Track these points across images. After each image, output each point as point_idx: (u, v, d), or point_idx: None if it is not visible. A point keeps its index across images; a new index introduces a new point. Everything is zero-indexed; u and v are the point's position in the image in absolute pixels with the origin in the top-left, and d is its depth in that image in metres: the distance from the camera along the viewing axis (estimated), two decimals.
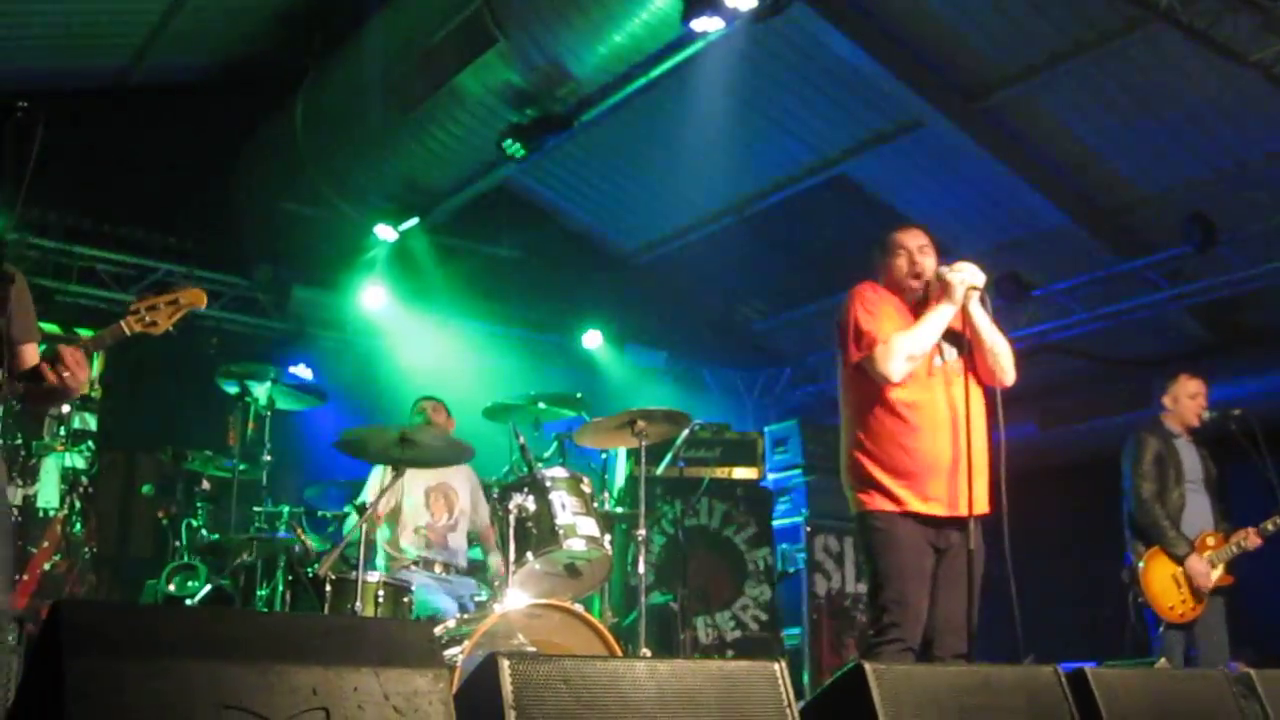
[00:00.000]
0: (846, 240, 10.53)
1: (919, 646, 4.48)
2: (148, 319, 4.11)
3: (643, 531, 6.19)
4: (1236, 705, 4.44)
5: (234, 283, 9.98)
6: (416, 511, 6.73)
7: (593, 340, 11.24)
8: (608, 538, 6.03)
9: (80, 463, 8.34)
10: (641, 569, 6.10)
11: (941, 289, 4.72)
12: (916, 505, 4.56)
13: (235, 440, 7.96)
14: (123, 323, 4.05)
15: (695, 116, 9.10)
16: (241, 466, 7.94)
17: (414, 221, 9.28)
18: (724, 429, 10.80)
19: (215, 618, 3.30)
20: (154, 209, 9.13)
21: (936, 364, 4.72)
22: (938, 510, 4.56)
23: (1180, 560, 6.43)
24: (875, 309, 4.73)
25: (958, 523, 4.58)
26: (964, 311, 4.70)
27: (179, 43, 8.91)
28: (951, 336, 4.73)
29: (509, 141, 7.92)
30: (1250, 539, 6.46)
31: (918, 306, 4.79)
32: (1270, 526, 6.39)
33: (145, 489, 9.27)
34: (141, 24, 8.55)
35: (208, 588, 7.36)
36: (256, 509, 7.56)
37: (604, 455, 7.64)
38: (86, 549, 8.31)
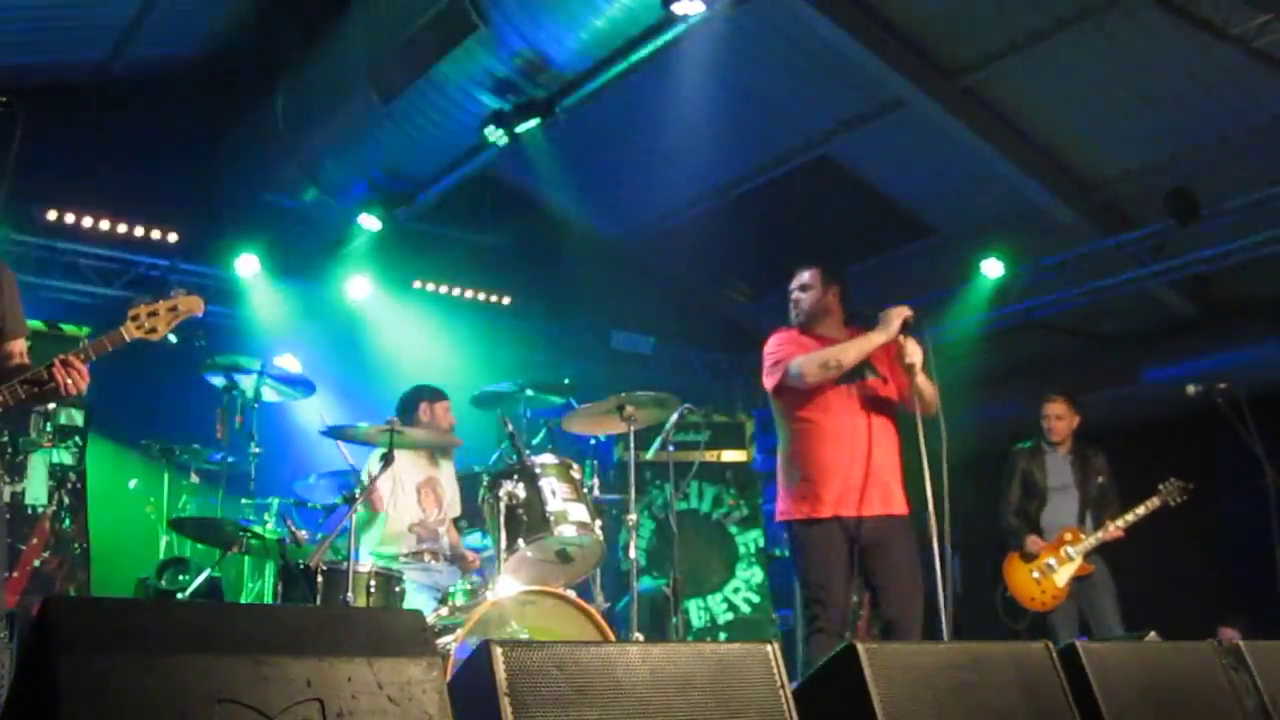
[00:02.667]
0: (831, 221, 10.55)
1: (846, 632, 5.19)
2: (147, 325, 4.18)
3: (633, 516, 6.19)
4: (1226, 677, 4.47)
5: (218, 275, 9.95)
6: (410, 509, 6.74)
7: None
8: (599, 523, 6.04)
9: (68, 458, 8.32)
10: (633, 554, 6.11)
11: (882, 321, 5.43)
12: (826, 511, 5.32)
13: (223, 433, 7.95)
14: (123, 329, 4.11)
15: (677, 100, 9.09)
16: (229, 459, 7.93)
17: (398, 210, 9.26)
18: (712, 412, 10.82)
19: (206, 612, 3.30)
20: (136, 202, 9.09)
21: (850, 387, 5.48)
22: (846, 512, 5.31)
23: (1020, 547, 7.41)
24: (784, 343, 5.62)
25: (876, 522, 5.33)
26: (906, 347, 5.37)
27: (159, 34, 8.87)
28: (866, 364, 5.47)
29: (491, 128, 7.90)
30: (1111, 531, 7.24)
31: (812, 332, 5.68)
32: (1131, 517, 7.22)
33: (133, 483, 9.26)
34: (121, 15, 8.50)
35: (198, 581, 7.35)
36: (245, 501, 7.57)
37: (593, 441, 7.66)
38: (76, 545, 8.29)
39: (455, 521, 6.97)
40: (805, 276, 5.81)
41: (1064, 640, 6.59)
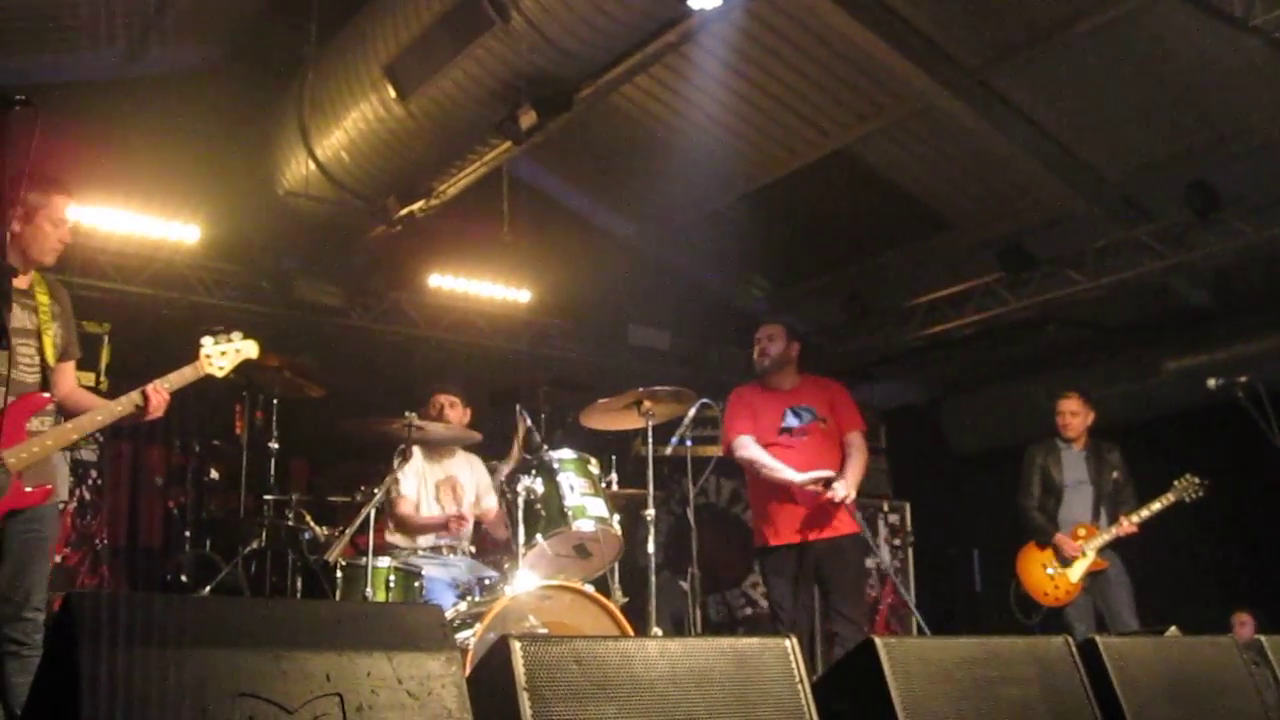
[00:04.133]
0: (849, 216, 10.52)
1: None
2: (215, 364, 4.74)
3: (651, 511, 6.20)
4: (1247, 672, 4.46)
5: (237, 271, 9.98)
6: (428, 506, 6.74)
7: None
8: (616, 518, 6.05)
9: (89, 455, 8.37)
10: (651, 548, 6.12)
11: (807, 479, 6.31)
12: (777, 539, 6.36)
13: (243, 429, 7.98)
14: (194, 365, 4.68)
15: (696, 95, 9.08)
16: (249, 455, 7.96)
17: (415, 206, 9.26)
18: None
19: (227, 606, 3.31)
20: (156, 199, 9.11)
21: (793, 435, 6.52)
22: (796, 539, 6.30)
23: (1047, 542, 7.47)
24: (736, 414, 6.64)
25: (822, 544, 6.30)
26: (835, 493, 6.29)
27: (177, 32, 8.89)
28: (808, 410, 6.57)
29: (508, 124, 7.90)
30: (1125, 527, 7.30)
31: (768, 382, 6.77)
32: (1145, 513, 7.30)
33: (158, 480, 9.31)
34: (139, 13, 8.52)
35: (218, 576, 7.38)
36: (266, 497, 7.59)
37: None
38: (97, 541, 8.34)
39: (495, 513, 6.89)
40: (772, 329, 6.82)
41: (1079, 635, 6.71)
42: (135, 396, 4.43)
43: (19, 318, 4.30)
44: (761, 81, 8.97)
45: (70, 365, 4.60)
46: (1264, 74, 7.90)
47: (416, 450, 6.68)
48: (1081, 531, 7.36)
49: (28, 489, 4.21)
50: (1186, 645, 4.67)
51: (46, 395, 4.37)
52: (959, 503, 11.33)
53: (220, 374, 4.78)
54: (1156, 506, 7.27)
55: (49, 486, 4.32)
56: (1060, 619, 7.25)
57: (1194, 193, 8.55)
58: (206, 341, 4.74)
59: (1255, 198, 8.62)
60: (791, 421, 6.52)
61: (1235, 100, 8.24)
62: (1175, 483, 7.29)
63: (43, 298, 4.46)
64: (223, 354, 4.76)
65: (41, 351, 4.37)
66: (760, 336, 6.78)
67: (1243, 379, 6.90)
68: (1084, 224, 9.61)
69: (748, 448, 6.44)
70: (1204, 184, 8.52)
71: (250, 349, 4.87)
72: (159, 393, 4.48)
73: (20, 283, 4.39)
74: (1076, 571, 7.28)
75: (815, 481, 6.20)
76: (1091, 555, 7.28)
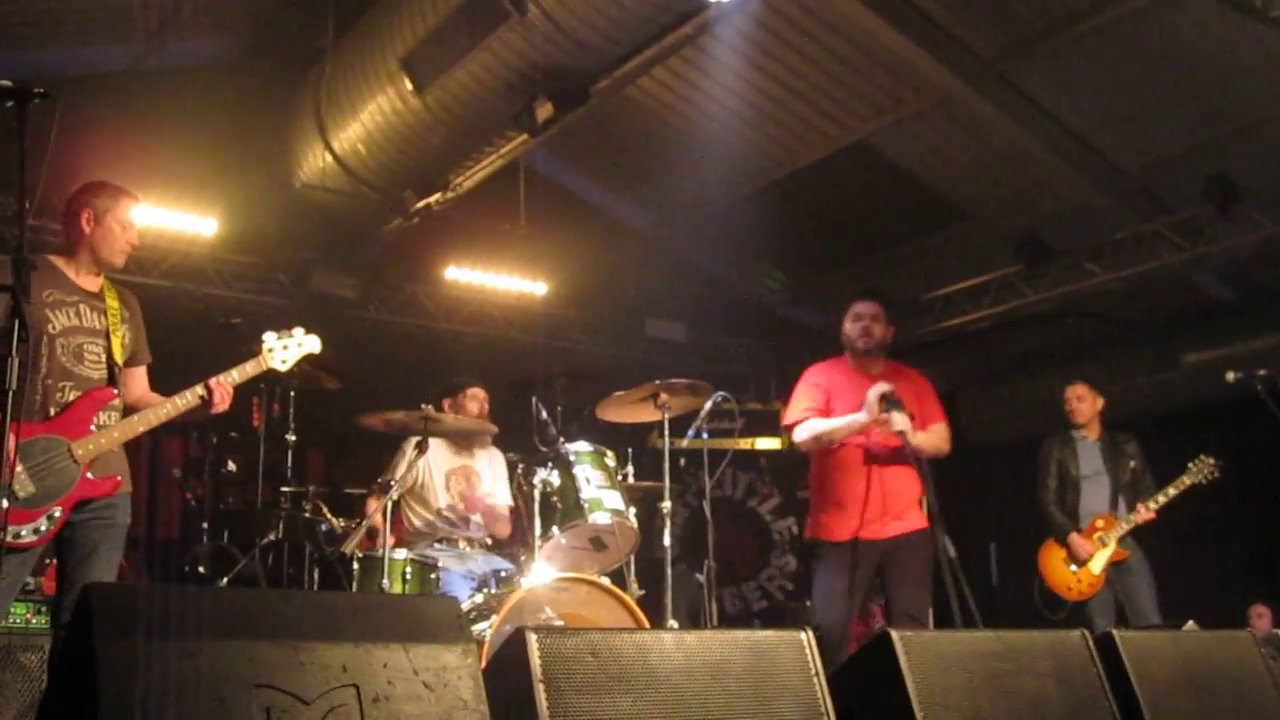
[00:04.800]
0: (865, 209, 10.50)
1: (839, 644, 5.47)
2: (278, 357, 4.85)
3: (668, 503, 6.20)
4: (1265, 666, 4.44)
5: (254, 264, 10.01)
6: (438, 494, 6.76)
7: None
8: (632, 510, 6.05)
9: None
10: (667, 541, 6.12)
11: (866, 407, 5.73)
12: (841, 535, 5.76)
13: (260, 421, 8.01)
14: (257, 360, 4.77)
15: (713, 87, 9.07)
16: (266, 447, 7.98)
17: (431, 199, 9.27)
18: (747, 400, 10.81)
19: (244, 598, 3.32)
20: (173, 192, 9.13)
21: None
22: (864, 535, 5.73)
23: (1063, 537, 7.37)
24: (805, 392, 6.02)
25: (890, 543, 5.76)
26: (891, 420, 5.68)
27: (194, 25, 8.90)
28: (889, 400, 5.73)
29: (524, 116, 7.90)
30: (1142, 514, 7.22)
31: (861, 364, 6.06)
32: (1162, 498, 7.22)
33: (176, 472, 9.35)
34: (157, 6, 8.54)
35: (236, 568, 7.41)
36: (283, 489, 7.61)
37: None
38: None
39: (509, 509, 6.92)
40: (875, 309, 6.07)
41: (1100, 630, 6.68)
42: (199, 389, 4.54)
43: (87, 317, 4.46)
44: (778, 74, 8.95)
45: (141, 370, 4.72)
46: None
47: (433, 440, 6.69)
48: (1100, 522, 7.30)
49: (97, 480, 4.31)
50: (1204, 639, 4.65)
51: (112, 389, 4.46)
52: (975, 496, 11.30)
53: (283, 368, 4.89)
54: (1173, 491, 7.21)
55: (118, 477, 4.42)
56: (1083, 613, 7.19)
57: (1213, 185, 8.51)
58: (269, 336, 4.86)
59: (1275, 190, 8.58)
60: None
61: (1255, 92, 8.20)
62: (1190, 465, 7.22)
63: (112, 302, 4.58)
64: (285, 348, 4.87)
65: (109, 351, 4.48)
66: (862, 313, 6.05)
67: (1262, 372, 6.90)
68: (1102, 216, 9.57)
69: (811, 428, 5.88)
70: (1223, 176, 8.48)
71: (314, 344, 4.98)
72: (221, 386, 4.58)
73: (90, 285, 4.56)
74: (1098, 563, 7.22)
75: (882, 399, 5.64)
76: (1112, 545, 7.22)
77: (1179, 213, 9.24)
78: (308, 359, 5.03)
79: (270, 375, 4.95)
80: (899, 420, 5.61)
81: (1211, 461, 7.23)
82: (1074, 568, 7.30)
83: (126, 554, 8.32)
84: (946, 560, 5.24)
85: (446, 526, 6.66)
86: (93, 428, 4.34)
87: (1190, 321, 10.21)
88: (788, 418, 6.05)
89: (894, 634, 3.61)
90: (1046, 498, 7.54)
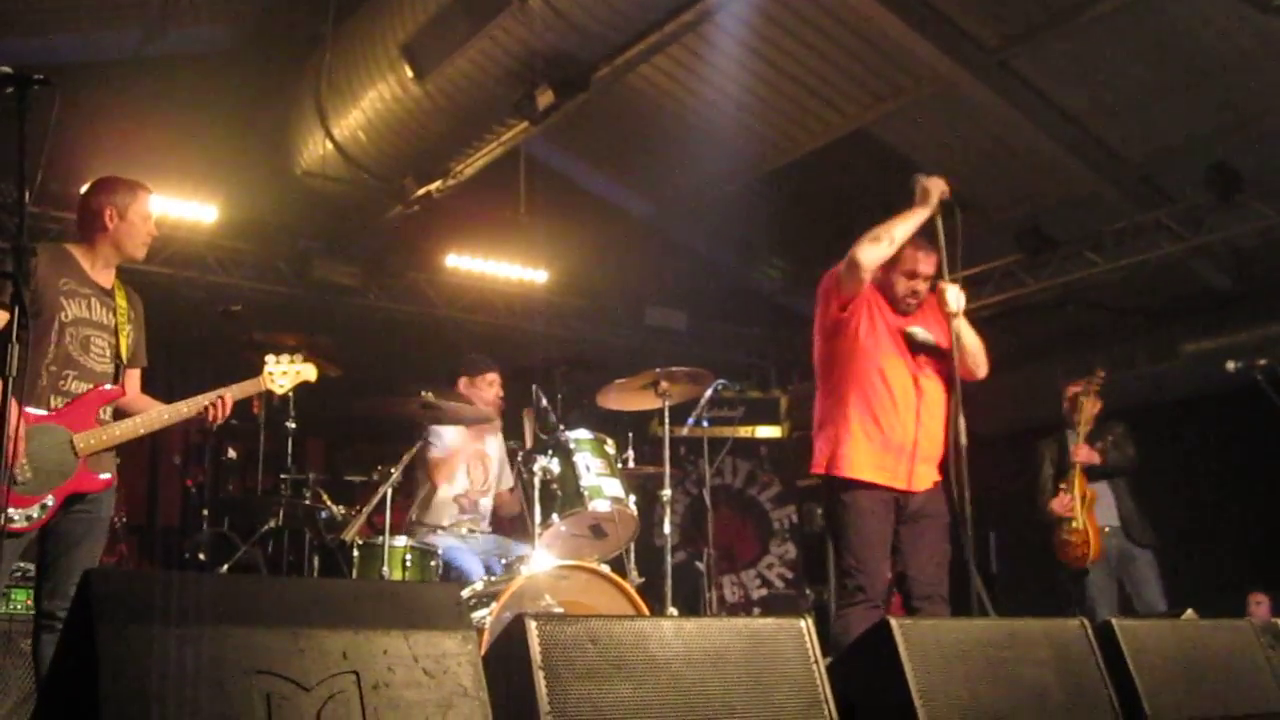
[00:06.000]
0: (866, 197, 10.47)
1: (885, 605, 4.89)
2: (277, 381, 5.04)
3: (668, 491, 6.21)
4: (1264, 655, 4.45)
5: (255, 251, 10.00)
6: (458, 480, 6.73)
7: None
8: (633, 498, 6.05)
9: None
10: (667, 529, 6.13)
11: (921, 195, 5.19)
12: (883, 479, 4.99)
13: (260, 409, 8.00)
14: (256, 380, 4.95)
15: (713, 74, 9.05)
16: (266, 435, 7.98)
17: (432, 186, 9.27)
18: (747, 388, 10.81)
19: (244, 584, 3.33)
20: (173, 180, 9.13)
21: (913, 357, 5.17)
22: (899, 484, 5.01)
23: (1051, 517, 7.29)
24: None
25: (920, 496, 5.05)
26: (947, 320, 5.12)
27: (195, 13, 8.90)
28: (928, 339, 5.20)
29: (525, 103, 7.89)
30: (1083, 452, 7.25)
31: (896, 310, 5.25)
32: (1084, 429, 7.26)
33: (176, 459, 9.35)
34: None
35: (236, 555, 7.41)
36: (283, 477, 7.62)
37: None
38: (116, 519, 8.36)
39: (509, 491, 6.92)
40: (937, 264, 5.22)
41: (1102, 614, 6.66)
42: (203, 401, 4.63)
43: (97, 311, 4.50)
44: (779, 62, 8.94)
45: (136, 373, 4.74)
46: None
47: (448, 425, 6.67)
48: (1063, 484, 7.34)
49: (93, 475, 4.36)
50: (1202, 628, 4.66)
51: (120, 388, 4.54)
52: (976, 485, 11.29)
53: (280, 391, 5.10)
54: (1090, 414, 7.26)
55: (110, 475, 4.47)
56: (1084, 590, 7.17)
57: (1214, 175, 8.50)
58: (270, 359, 5.03)
59: (1276, 180, 8.57)
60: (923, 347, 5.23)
61: (1257, 82, 8.18)
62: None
63: (121, 301, 4.62)
64: (284, 373, 5.06)
65: (116, 348, 4.54)
66: (920, 271, 5.23)
67: (1262, 362, 6.90)
68: (1103, 206, 9.56)
69: (873, 236, 5.13)
70: (1225, 166, 8.47)
71: (310, 372, 5.18)
72: (223, 403, 4.69)
73: (104, 281, 4.59)
74: (1077, 509, 7.21)
75: (938, 190, 5.11)
76: (1076, 486, 7.23)
77: (1180, 202, 9.23)
78: (265, 341, 5.22)
79: (226, 357, 5.10)
80: (955, 298, 5.06)
81: (1101, 374, 7.35)
82: (1073, 539, 7.23)
83: (126, 540, 8.35)
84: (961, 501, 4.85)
85: (457, 511, 6.63)
86: (97, 423, 4.39)
87: (1191, 311, 10.19)
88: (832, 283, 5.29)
89: (893, 622, 3.62)
90: (1045, 499, 7.48)
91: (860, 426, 5.03)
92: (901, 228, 5.11)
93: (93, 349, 4.45)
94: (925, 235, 5.24)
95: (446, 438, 6.69)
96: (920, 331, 5.22)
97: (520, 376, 7.56)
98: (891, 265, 5.20)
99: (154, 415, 4.58)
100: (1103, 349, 10.37)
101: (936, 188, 5.16)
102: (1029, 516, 7.75)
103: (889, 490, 5.00)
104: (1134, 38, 8.09)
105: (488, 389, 6.95)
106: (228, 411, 4.70)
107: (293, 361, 5.10)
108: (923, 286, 5.22)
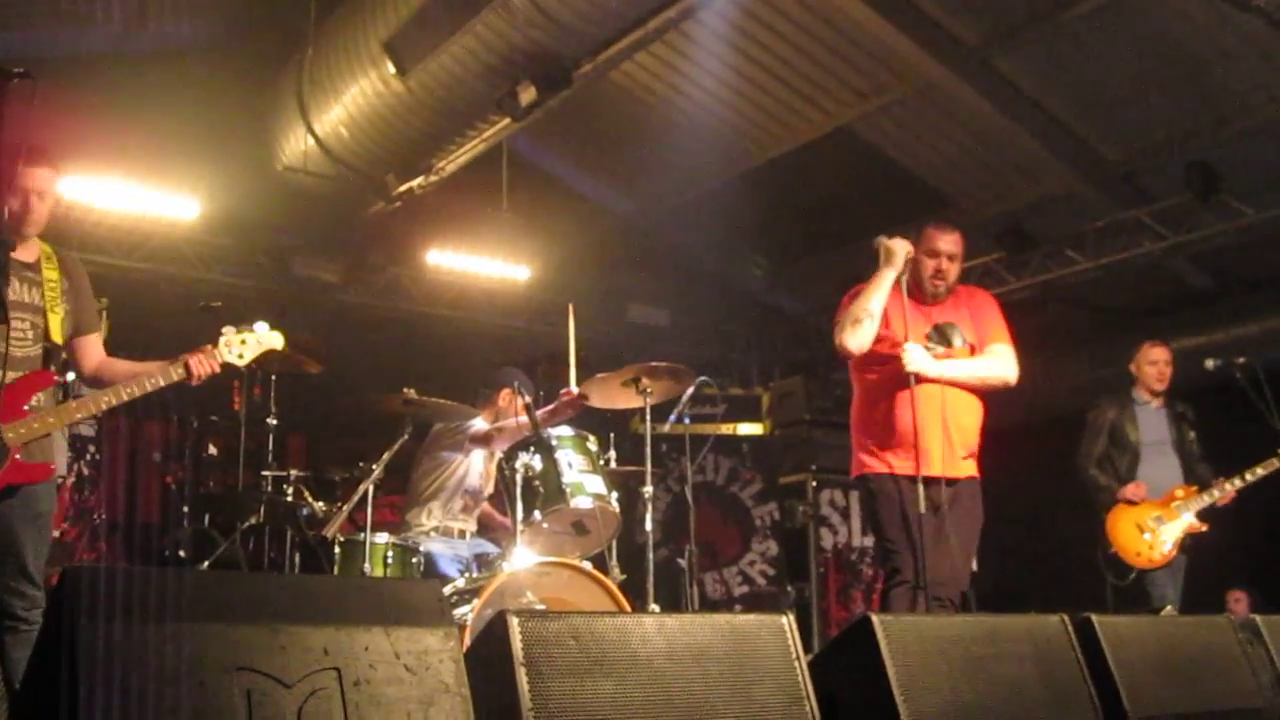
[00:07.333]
0: (848, 194, 10.50)
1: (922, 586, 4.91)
2: (236, 351, 4.66)
3: (649, 488, 6.20)
4: (1242, 651, 4.47)
5: (236, 247, 9.97)
6: (475, 474, 6.69)
7: None
8: (615, 495, 6.05)
9: (87, 430, 8.36)
10: (648, 526, 6.12)
11: (885, 256, 5.32)
12: (898, 467, 5.15)
13: (241, 405, 7.98)
14: (216, 349, 4.59)
15: (696, 72, 9.06)
16: (247, 431, 7.95)
17: (414, 183, 9.25)
18: (729, 385, 10.81)
19: (225, 580, 3.32)
20: (153, 174, 9.09)
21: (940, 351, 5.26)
22: (930, 471, 5.10)
23: (1111, 503, 6.92)
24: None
25: (937, 482, 5.10)
26: (975, 311, 5.34)
27: (176, 7, 8.86)
28: (937, 331, 5.32)
29: (507, 100, 7.88)
30: (1228, 491, 6.83)
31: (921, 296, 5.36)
32: (1250, 476, 6.78)
33: (156, 456, 9.31)
34: None
35: (217, 551, 7.39)
36: (264, 473, 7.59)
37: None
38: (95, 516, 8.35)
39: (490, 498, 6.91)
40: (959, 244, 5.33)
41: (1159, 603, 6.61)
42: (146, 383, 4.41)
43: (15, 290, 4.21)
44: (762, 59, 8.95)
45: (94, 339, 4.54)
46: (1265, 54, 7.89)
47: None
48: (1180, 492, 6.90)
49: (27, 466, 4.17)
50: (1182, 624, 4.68)
51: (52, 373, 4.32)
52: None
53: (240, 363, 4.71)
54: (1261, 471, 6.77)
55: (50, 464, 4.28)
56: (1144, 583, 6.84)
57: (1194, 173, 8.54)
58: (228, 330, 4.68)
59: (1255, 179, 8.62)
60: (938, 348, 5.28)
61: (1236, 81, 8.23)
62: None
63: (50, 273, 4.37)
64: (243, 343, 4.69)
65: (44, 327, 4.28)
66: (941, 250, 5.31)
67: (1241, 360, 6.92)
68: (1084, 204, 9.61)
69: (841, 327, 5.24)
70: (1204, 165, 8.51)
71: (275, 340, 4.81)
72: (197, 364, 4.50)
73: (25, 255, 4.33)
74: (1172, 532, 6.83)
75: (903, 251, 5.20)
76: (1191, 518, 6.84)
77: (1160, 201, 9.27)
78: (271, 351, 4.85)
79: (230, 368, 4.78)
80: (913, 355, 5.08)
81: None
82: (1148, 536, 6.83)
83: (106, 537, 8.33)
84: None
85: (459, 511, 6.60)
86: (26, 412, 4.16)
87: (1170, 309, 10.24)
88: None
89: (875, 618, 3.63)
90: (1085, 462, 7.11)
91: (884, 419, 5.23)
92: (875, 299, 5.22)
93: (13, 334, 4.15)
94: (942, 215, 5.48)
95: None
96: (947, 326, 5.33)
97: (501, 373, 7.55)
98: (913, 246, 5.33)
99: (91, 400, 4.37)
100: (1081, 348, 10.42)
101: (901, 247, 5.27)
102: (1015, 511, 7.73)
103: (913, 479, 5.08)
104: (1114, 37, 8.12)
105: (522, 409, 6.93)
106: (216, 367, 4.51)
107: (253, 331, 4.74)
108: (947, 265, 5.31)
